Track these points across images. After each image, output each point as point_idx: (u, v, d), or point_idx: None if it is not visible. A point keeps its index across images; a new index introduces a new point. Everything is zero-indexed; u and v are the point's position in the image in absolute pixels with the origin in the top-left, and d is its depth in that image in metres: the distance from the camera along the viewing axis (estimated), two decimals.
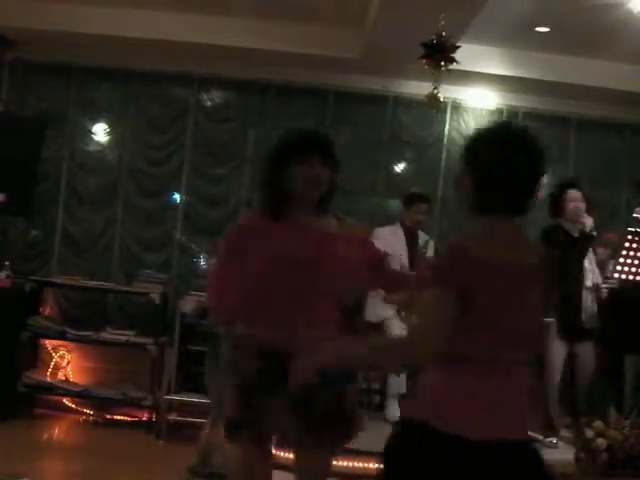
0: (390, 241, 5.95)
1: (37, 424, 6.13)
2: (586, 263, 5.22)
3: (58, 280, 6.56)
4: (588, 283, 5.20)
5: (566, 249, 5.17)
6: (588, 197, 5.28)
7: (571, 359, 5.20)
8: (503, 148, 2.21)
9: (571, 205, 5.19)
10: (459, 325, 2.07)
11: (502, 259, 2.14)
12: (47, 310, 6.76)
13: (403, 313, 5.86)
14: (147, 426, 6.17)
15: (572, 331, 5.15)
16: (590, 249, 5.26)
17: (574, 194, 5.22)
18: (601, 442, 4.34)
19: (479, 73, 6.68)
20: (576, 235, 5.18)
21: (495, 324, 2.11)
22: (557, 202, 5.29)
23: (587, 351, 5.21)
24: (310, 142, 2.97)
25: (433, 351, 2.09)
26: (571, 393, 5.29)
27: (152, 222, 7.07)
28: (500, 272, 2.12)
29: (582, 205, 5.19)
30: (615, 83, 6.61)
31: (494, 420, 2.12)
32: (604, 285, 5.24)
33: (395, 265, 5.86)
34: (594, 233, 5.16)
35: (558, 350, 5.15)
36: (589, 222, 5.14)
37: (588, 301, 5.20)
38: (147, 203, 7.07)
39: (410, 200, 5.99)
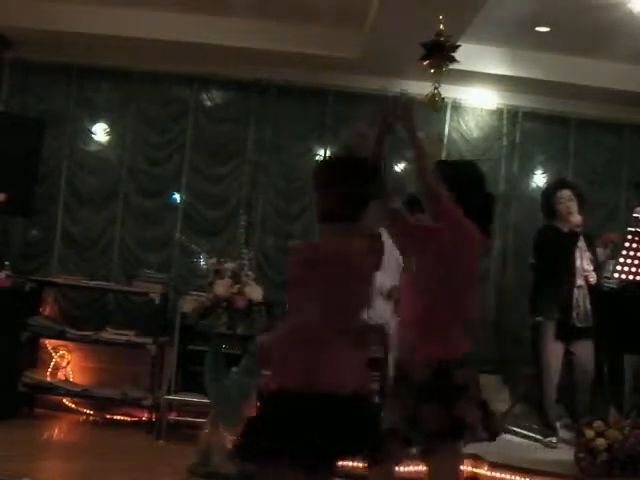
0: (387, 242, 5.96)
1: (37, 424, 6.13)
2: (577, 262, 5.22)
3: (58, 280, 6.56)
4: (579, 282, 5.20)
5: (558, 249, 5.18)
6: (580, 195, 5.29)
7: (569, 359, 5.20)
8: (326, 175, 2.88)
9: (562, 206, 5.21)
10: None
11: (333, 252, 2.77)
12: (47, 310, 6.76)
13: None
14: (147, 426, 6.17)
15: (566, 331, 5.15)
16: (582, 248, 5.25)
17: (564, 194, 5.24)
18: (601, 442, 4.35)
19: (479, 73, 6.68)
20: (566, 232, 5.19)
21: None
22: (549, 203, 5.31)
23: (585, 351, 5.20)
24: None
25: None
26: (571, 393, 5.29)
27: (152, 222, 7.07)
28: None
29: (572, 204, 5.20)
30: (615, 83, 6.61)
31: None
32: (591, 279, 5.22)
33: (392, 266, 5.91)
34: (578, 229, 5.16)
35: (555, 350, 5.15)
36: (575, 219, 5.14)
37: (580, 300, 5.19)
38: (147, 203, 7.07)
39: (413, 203, 5.94)
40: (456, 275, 3.03)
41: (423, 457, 3.10)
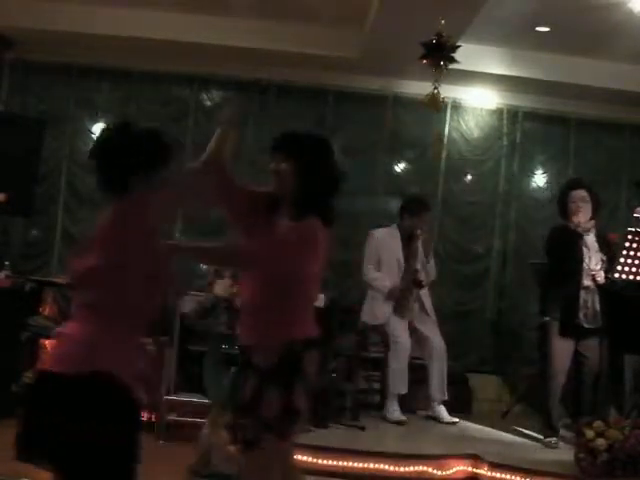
0: (388, 242, 5.96)
1: None
2: (585, 263, 5.20)
3: (58, 280, 6.55)
4: (586, 283, 5.19)
5: (569, 249, 5.18)
6: (596, 197, 5.27)
7: (578, 360, 5.19)
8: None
9: (572, 205, 5.20)
10: None
11: None
12: (47, 310, 6.75)
13: (401, 312, 5.86)
14: (147, 426, 6.16)
15: (571, 330, 5.14)
16: (593, 248, 5.23)
17: (575, 194, 5.23)
18: (601, 442, 4.34)
19: (479, 73, 6.68)
20: (571, 230, 5.19)
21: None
22: (562, 202, 5.30)
23: (592, 351, 5.19)
24: None
25: None
26: (577, 393, 5.27)
27: None
28: None
29: (583, 204, 5.19)
30: (615, 83, 6.61)
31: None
32: (598, 278, 5.21)
33: (392, 267, 5.92)
34: (579, 229, 5.15)
35: (561, 350, 5.14)
36: (580, 219, 5.14)
37: (588, 301, 5.18)
38: None
39: (417, 209, 5.92)
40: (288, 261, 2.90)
41: (248, 447, 2.88)
